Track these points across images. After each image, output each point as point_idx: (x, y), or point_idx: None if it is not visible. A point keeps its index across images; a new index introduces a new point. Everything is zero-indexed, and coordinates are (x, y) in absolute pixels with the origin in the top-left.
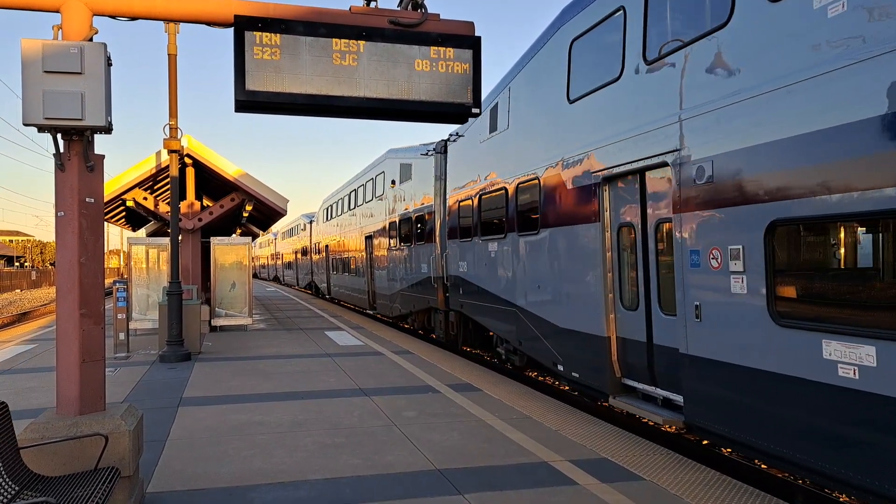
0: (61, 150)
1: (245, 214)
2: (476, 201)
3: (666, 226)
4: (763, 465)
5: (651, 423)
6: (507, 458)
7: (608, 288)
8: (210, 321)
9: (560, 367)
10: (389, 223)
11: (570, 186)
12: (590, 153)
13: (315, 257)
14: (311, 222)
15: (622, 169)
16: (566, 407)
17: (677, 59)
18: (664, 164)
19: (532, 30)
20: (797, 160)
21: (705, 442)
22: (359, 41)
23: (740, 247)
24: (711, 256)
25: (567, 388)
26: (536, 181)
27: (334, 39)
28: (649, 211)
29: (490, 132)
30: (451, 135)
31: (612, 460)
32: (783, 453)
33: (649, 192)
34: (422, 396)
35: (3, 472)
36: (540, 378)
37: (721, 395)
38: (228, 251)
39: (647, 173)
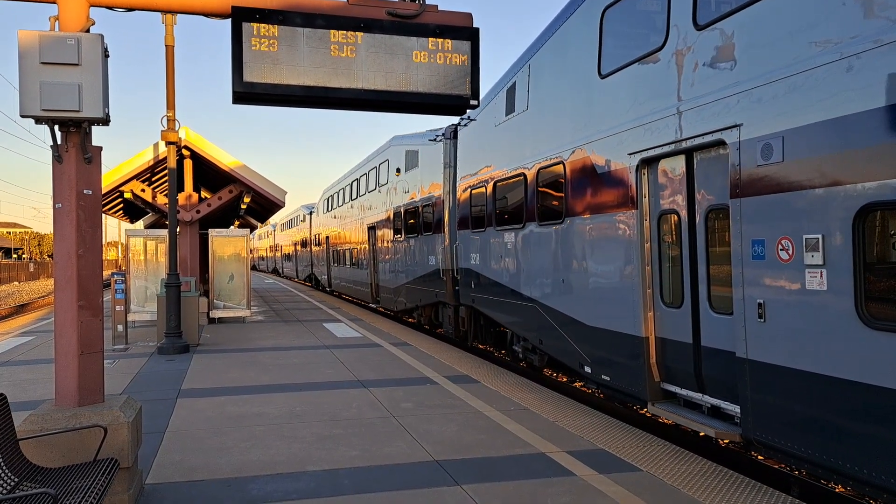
0: (59, 141)
1: (243, 206)
2: (490, 189)
3: (719, 213)
4: (842, 489)
5: (702, 435)
6: (505, 450)
7: (646, 283)
8: (208, 313)
9: (587, 370)
10: (394, 213)
11: (601, 170)
12: (625, 133)
13: (315, 249)
14: (310, 213)
15: (665, 149)
16: (563, 398)
17: (737, 21)
18: (720, 143)
19: (531, 25)
20: None
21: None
22: (357, 32)
23: (819, 236)
24: (780, 247)
25: (599, 392)
26: (561, 165)
27: (332, 31)
28: (698, 196)
29: (507, 114)
30: (461, 119)
31: (609, 451)
32: (878, 480)
33: (698, 174)
34: (420, 388)
35: (2, 464)
36: (557, 377)
37: (790, 407)
38: (226, 243)
39: (697, 153)
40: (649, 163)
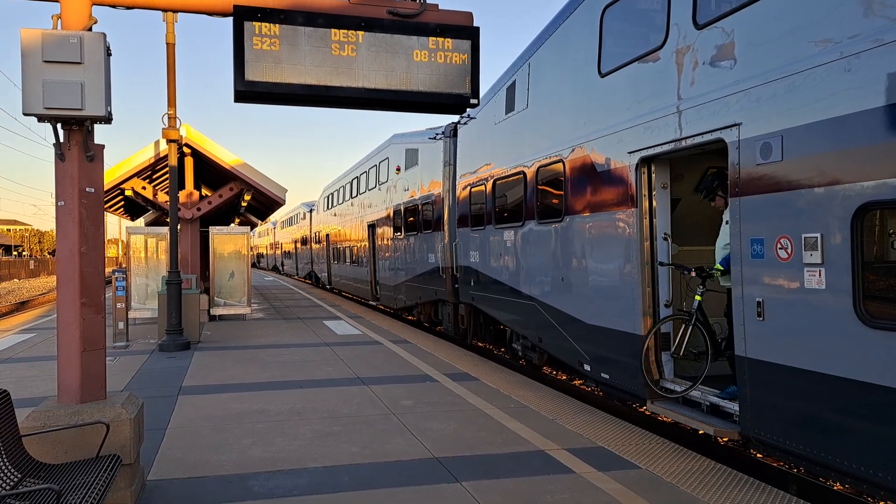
0: (61, 139)
1: (244, 204)
2: (490, 187)
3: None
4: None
5: (701, 433)
6: (504, 447)
7: (646, 281)
8: (209, 310)
9: (587, 368)
10: (394, 211)
11: (600, 169)
12: (625, 131)
13: (315, 247)
14: (311, 211)
15: (665, 148)
16: (562, 396)
17: (737, 20)
18: (718, 142)
19: (532, 21)
20: None
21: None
22: (357, 31)
23: (818, 235)
24: (779, 246)
25: (598, 390)
26: (560, 163)
27: (333, 30)
28: None
29: (506, 112)
30: (461, 117)
31: (608, 448)
32: (876, 477)
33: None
34: (419, 385)
35: (5, 460)
36: (557, 375)
37: (789, 405)
38: (227, 240)
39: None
40: (649, 161)
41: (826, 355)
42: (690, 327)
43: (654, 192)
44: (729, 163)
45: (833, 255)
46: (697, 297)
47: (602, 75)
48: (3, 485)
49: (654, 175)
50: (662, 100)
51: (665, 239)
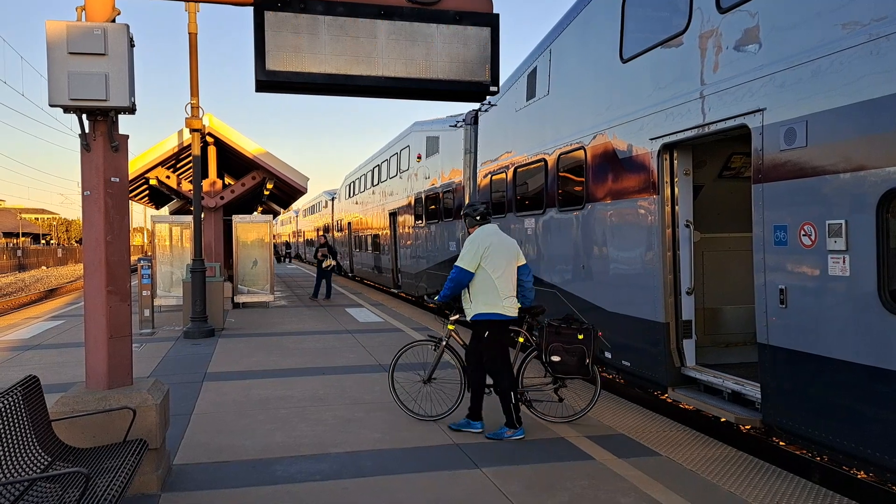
0: (87, 130)
1: (266, 192)
2: (510, 174)
3: None
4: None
5: (723, 420)
6: (525, 434)
7: (667, 269)
8: (233, 298)
9: (608, 355)
10: (415, 199)
11: (622, 155)
12: (647, 118)
13: (337, 235)
14: (332, 199)
15: (688, 134)
16: (583, 383)
17: (761, 4)
18: (741, 128)
19: (553, 7)
20: None
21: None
22: (377, 20)
23: (842, 222)
24: (802, 233)
25: (619, 377)
26: (581, 151)
27: (353, 18)
28: None
29: (527, 99)
30: (482, 104)
31: (628, 436)
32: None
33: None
34: (440, 372)
35: (36, 444)
36: None
37: (811, 393)
38: (250, 229)
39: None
40: (670, 148)
41: (850, 343)
42: (441, 353)
43: (676, 179)
44: (752, 149)
45: (857, 242)
46: (450, 327)
47: (624, 61)
48: (34, 468)
49: (676, 162)
50: (685, 85)
51: (687, 226)
